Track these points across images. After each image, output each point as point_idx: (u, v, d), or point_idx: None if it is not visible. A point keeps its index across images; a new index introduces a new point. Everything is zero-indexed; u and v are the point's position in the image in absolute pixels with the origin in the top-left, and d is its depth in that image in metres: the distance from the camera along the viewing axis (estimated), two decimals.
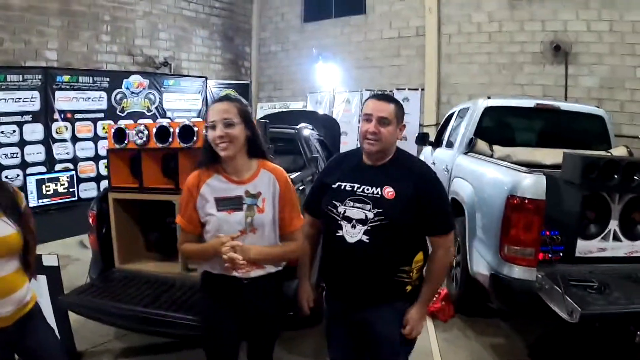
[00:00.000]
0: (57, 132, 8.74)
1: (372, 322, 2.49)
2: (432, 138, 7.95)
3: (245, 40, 13.77)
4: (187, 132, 3.62)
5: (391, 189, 2.41)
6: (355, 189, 2.47)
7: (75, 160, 9.00)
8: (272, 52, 13.76)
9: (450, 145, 6.59)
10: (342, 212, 2.45)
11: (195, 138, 3.59)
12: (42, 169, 8.54)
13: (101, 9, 10.06)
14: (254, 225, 2.38)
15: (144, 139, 3.73)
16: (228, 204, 2.37)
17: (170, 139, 3.66)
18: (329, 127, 8.25)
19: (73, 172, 8.74)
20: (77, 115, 9.01)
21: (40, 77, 8.48)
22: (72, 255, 6.53)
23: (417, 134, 8.28)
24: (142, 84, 9.94)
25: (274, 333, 2.69)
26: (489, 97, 6.14)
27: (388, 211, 2.38)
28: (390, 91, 11.23)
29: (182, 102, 10.78)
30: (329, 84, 12.34)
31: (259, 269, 2.42)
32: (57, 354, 2.55)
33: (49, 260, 3.81)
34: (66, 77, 8.86)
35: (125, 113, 9.61)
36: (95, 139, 9.22)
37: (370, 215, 2.39)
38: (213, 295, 2.51)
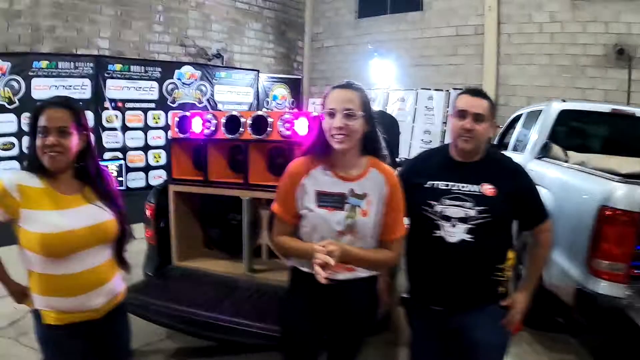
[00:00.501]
0: (107, 121, 8.63)
1: (471, 328, 2.36)
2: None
3: (298, 34, 13.50)
4: (260, 123, 3.34)
5: (490, 186, 2.34)
6: (450, 187, 2.38)
7: (124, 150, 8.86)
8: (325, 48, 13.47)
9: (517, 148, 6.25)
10: (439, 211, 2.35)
11: (269, 129, 3.30)
12: None
13: None
14: (354, 228, 2.14)
15: (212, 128, 3.46)
16: (329, 200, 2.15)
17: (241, 130, 3.39)
18: (387, 125, 7.91)
19: (122, 162, 8.60)
20: (128, 105, 8.87)
21: (91, 65, 8.37)
22: None
23: None
24: (194, 75, 9.73)
25: (358, 343, 2.43)
26: (563, 100, 5.78)
27: (492, 208, 2.31)
28: (446, 91, 10.91)
29: (234, 95, 10.55)
30: (383, 81, 11.97)
31: (348, 272, 2.17)
32: (128, 351, 2.45)
33: None
34: (118, 66, 8.72)
35: (176, 104, 9.41)
36: (146, 128, 9.07)
37: (473, 212, 2.31)
38: (299, 295, 2.31)
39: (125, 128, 8.86)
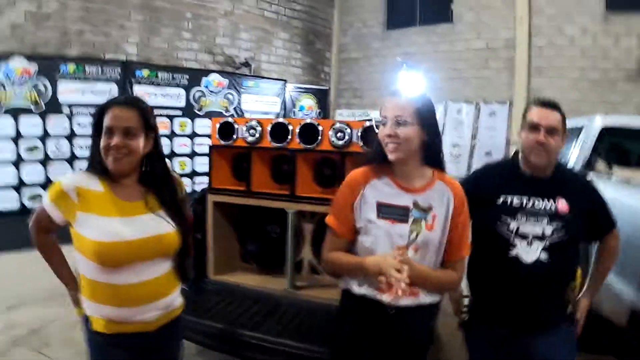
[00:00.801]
0: None
1: (544, 351, 2.25)
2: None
3: (326, 45, 13.34)
4: (309, 131, 3.15)
5: (564, 202, 2.24)
6: (524, 202, 2.26)
7: None
8: (353, 59, 13.28)
9: None
10: (515, 229, 2.23)
11: (319, 138, 3.11)
12: None
13: (183, 6, 9.80)
14: (418, 243, 1.97)
15: (256, 136, 3.27)
16: (391, 212, 2.00)
17: (289, 138, 3.20)
18: None
19: None
20: (155, 111, 8.62)
21: (119, 70, 8.30)
22: None
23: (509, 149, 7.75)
24: (222, 83, 9.61)
25: None
26: (605, 115, 5.65)
27: (567, 225, 2.22)
28: (476, 104, 10.70)
29: (261, 104, 10.42)
30: (412, 93, 11.64)
31: (410, 297, 1.94)
32: None
33: None
34: (145, 72, 8.65)
35: (203, 112, 9.30)
36: (172, 135, 8.96)
37: (548, 230, 2.21)
38: (351, 321, 2.11)
39: None
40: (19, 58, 7.30)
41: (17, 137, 7.34)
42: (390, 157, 1.97)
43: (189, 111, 9.13)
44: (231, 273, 3.73)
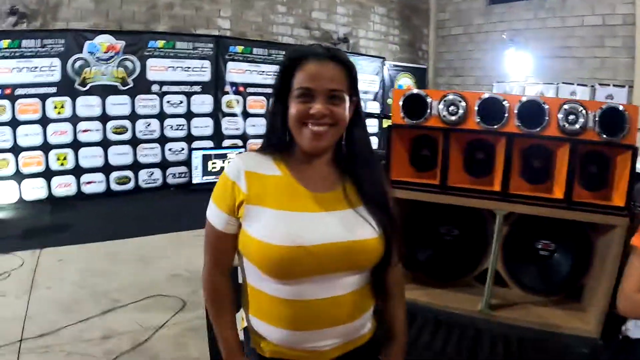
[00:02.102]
0: (227, 106, 8.14)
1: None
2: None
3: (423, 21, 12.51)
4: (532, 111, 2.43)
5: None
6: None
7: (244, 137, 8.33)
8: (453, 36, 12.41)
9: None
10: None
11: (546, 119, 2.39)
12: (209, 143, 7.99)
13: None
14: None
15: (460, 113, 2.55)
16: None
17: (505, 118, 2.48)
18: None
19: (242, 150, 8.00)
20: (250, 89, 8.31)
21: (211, 46, 7.88)
22: None
23: None
24: None
25: None
26: None
27: None
28: (591, 86, 9.77)
29: (359, 83, 9.64)
30: (519, 73, 10.90)
31: None
32: None
33: None
34: (239, 48, 8.19)
35: None
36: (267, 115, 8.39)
37: None
38: None
39: (246, 114, 8.34)
40: (104, 34, 6.97)
41: (103, 117, 7.06)
42: None
43: None
44: None
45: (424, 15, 12.36)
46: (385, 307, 1.57)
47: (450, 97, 2.57)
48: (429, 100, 2.63)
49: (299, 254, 1.33)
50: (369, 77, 10.07)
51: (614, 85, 9.77)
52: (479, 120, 2.51)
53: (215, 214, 1.43)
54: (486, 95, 2.52)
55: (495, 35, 11.32)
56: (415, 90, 2.70)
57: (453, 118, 2.56)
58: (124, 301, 3.86)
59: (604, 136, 2.40)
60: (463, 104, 2.53)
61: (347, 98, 1.39)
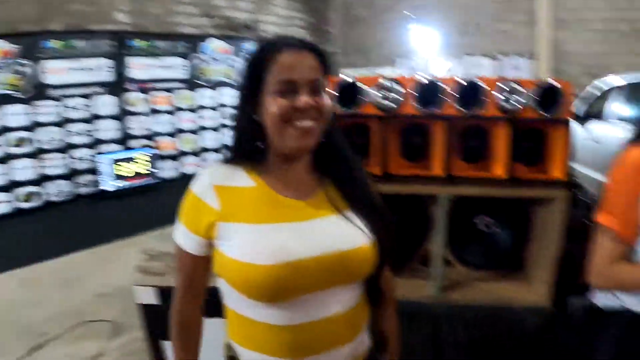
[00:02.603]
0: (132, 105, 7.71)
1: None
2: None
3: (327, 3, 12.50)
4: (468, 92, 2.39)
5: None
6: None
7: (153, 136, 7.93)
8: (357, 16, 12.51)
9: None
10: None
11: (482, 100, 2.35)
12: (117, 147, 7.51)
13: None
14: None
15: (394, 98, 2.43)
16: None
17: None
18: None
19: (155, 151, 7.71)
20: (155, 85, 7.92)
21: (111, 42, 7.42)
22: None
23: None
24: (227, 50, 8.72)
25: None
26: None
27: None
28: (493, 57, 10.12)
29: None
30: (424, 49, 11.12)
31: None
32: None
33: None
34: (141, 42, 7.76)
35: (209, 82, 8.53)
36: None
37: None
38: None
39: (152, 112, 7.95)
40: None
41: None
42: None
43: (191, 82, 8.33)
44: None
45: None
46: (380, 315, 1.47)
47: (384, 82, 2.46)
48: (361, 86, 2.51)
49: (286, 272, 1.20)
50: None
51: (516, 55, 10.23)
52: (416, 104, 2.43)
53: (183, 236, 1.33)
54: (422, 79, 2.44)
55: (397, 13, 11.53)
56: (346, 78, 2.57)
57: (388, 104, 2.45)
58: (52, 332, 3.55)
59: (542, 112, 2.41)
60: (398, 88, 2.44)
61: (325, 93, 1.29)
